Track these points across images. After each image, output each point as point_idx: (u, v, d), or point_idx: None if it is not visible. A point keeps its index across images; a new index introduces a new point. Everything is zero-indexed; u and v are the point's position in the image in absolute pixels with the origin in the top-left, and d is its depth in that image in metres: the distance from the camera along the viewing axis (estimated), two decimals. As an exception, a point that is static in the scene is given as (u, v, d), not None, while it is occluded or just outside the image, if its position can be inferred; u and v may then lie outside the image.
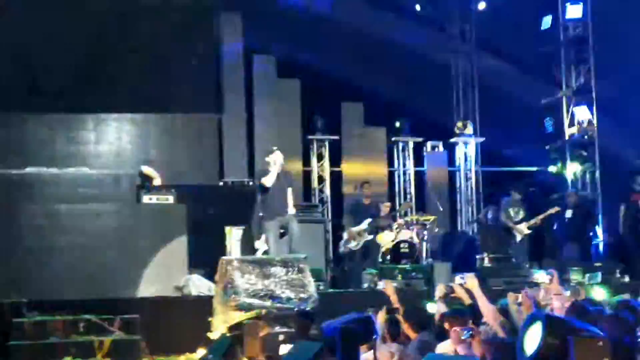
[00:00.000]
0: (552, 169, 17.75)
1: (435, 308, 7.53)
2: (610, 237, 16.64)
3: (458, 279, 7.43)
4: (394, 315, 7.13)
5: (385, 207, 14.53)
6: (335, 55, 18.49)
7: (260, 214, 12.63)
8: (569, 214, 15.07)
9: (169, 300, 12.12)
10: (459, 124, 18.36)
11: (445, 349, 6.02)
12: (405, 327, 6.74)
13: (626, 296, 9.76)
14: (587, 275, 12.95)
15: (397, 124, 18.00)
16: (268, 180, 11.55)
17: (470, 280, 7.06)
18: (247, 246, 12.69)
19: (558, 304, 6.29)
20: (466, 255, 14.55)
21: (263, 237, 12.27)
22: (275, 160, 11.66)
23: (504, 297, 7.29)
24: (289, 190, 11.84)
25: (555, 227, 15.67)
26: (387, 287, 8.49)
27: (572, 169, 17.49)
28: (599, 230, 16.91)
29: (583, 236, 15.21)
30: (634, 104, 17.33)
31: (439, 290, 7.82)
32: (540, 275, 6.49)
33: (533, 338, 3.99)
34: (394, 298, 8.16)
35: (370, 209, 14.11)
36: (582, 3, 17.30)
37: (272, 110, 16.92)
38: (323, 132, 17.44)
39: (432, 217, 15.39)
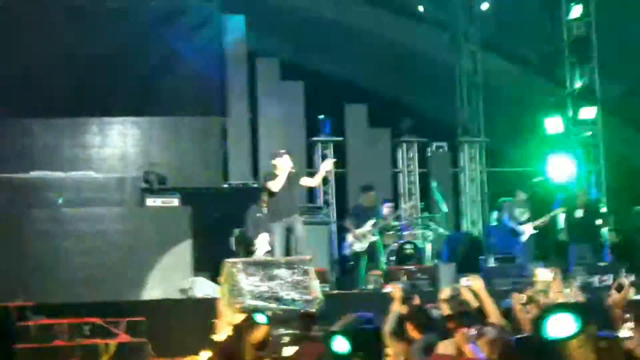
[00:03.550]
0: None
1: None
2: (617, 237, 16.60)
3: (464, 281, 7.43)
4: (402, 314, 7.13)
5: (386, 209, 14.51)
6: (339, 57, 18.48)
7: (258, 215, 12.64)
8: (579, 213, 15.01)
9: (174, 303, 12.13)
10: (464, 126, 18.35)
11: (447, 348, 6.01)
12: (410, 329, 6.73)
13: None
14: None
15: (402, 125, 17.98)
16: (275, 185, 11.53)
17: (476, 281, 7.07)
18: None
19: (561, 300, 6.29)
20: (471, 256, 14.53)
21: (261, 238, 12.29)
22: (284, 165, 11.62)
23: (508, 297, 7.28)
24: (297, 192, 11.82)
25: (563, 227, 15.62)
26: (395, 291, 8.15)
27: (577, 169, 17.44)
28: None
29: (593, 236, 15.15)
30: (638, 103, 17.30)
31: (444, 293, 7.78)
32: (542, 273, 6.50)
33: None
34: (397, 303, 7.90)
35: (372, 210, 14.11)
36: (585, 2, 17.26)
37: (276, 113, 16.93)
38: (327, 133, 17.43)
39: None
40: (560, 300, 6.29)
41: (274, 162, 11.85)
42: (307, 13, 17.76)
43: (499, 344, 5.70)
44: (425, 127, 18.27)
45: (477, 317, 6.64)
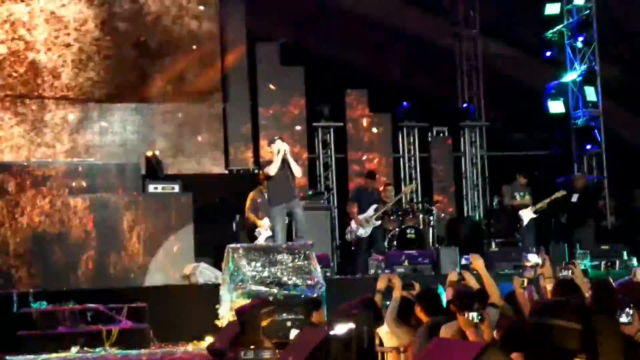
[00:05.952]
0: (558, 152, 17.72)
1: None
2: (617, 220, 16.63)
3: (463, 260, 7.42)
4: (406, 297, 7.11)
5: (385, 191, 14.50)
6: (339, 42, 18.43)
7: (259, 200, 12.65)
8: (575, 198, 15.03)
9: (176, 289, 12.16)
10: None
11: (448, 331, 6.02)
12: (418, 310, 6.73)
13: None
14: None
15: (402, 110, 17.96)
16: (271, 170, 11.55)
17: (475, 260, 7.04)
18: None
19: (550, 287, 6.32)
20: (472, 241, 14.54)
21: (262, 223, 12.33)
22: (279, 149, 11.63)
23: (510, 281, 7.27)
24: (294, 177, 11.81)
25: (563, 211, 15.63)
26: (394, 279, 7.96)
27: (577, 153, 17.46)
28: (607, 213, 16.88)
29: (591, 220, 15.16)
30: (639, 86, 17.29)
31: (451, 276, 7.75)
32: (532, 258, 6.51)
33: None
34: (397, 290, 7.75)
35: (374, 194, 14.12)
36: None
37: (276, 98, 16.90)
38: (328, 119, 17.41)
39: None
40: (549, 286, 6.28)
41: (270, 147, 11.91)
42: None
43: (500, 326, 5.71)
44: (425, 112, 18.26)
45: (479, 297, 6.62)
